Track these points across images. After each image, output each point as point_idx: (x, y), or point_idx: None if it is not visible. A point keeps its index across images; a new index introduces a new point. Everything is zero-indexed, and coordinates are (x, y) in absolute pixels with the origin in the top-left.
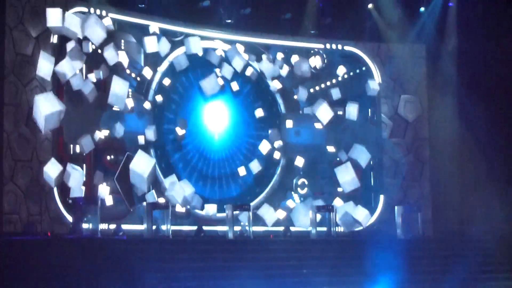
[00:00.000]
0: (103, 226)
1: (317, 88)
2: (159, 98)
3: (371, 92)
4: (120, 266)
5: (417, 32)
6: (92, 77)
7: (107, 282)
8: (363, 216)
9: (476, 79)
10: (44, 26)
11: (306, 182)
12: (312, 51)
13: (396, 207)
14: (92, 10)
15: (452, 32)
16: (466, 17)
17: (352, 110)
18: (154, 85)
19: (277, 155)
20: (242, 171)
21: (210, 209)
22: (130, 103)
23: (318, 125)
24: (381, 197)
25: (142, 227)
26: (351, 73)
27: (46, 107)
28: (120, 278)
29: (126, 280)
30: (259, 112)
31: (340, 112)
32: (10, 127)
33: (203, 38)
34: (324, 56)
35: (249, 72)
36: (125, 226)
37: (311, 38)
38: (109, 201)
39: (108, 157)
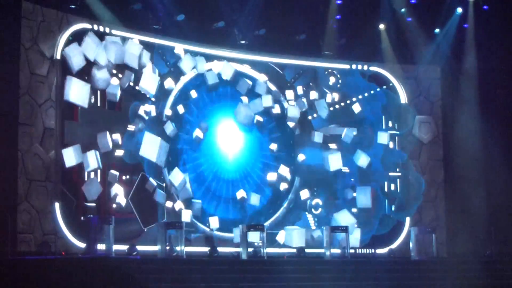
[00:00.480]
0: (117, 247)
1: (331, 108)
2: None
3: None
4: (134, 286)
5: (432, 53)
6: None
7: None
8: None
9: (492, 99)
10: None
11: (320, 203)
12: (326, 72)
13: (411, 228)
14: (95, 26)
15: (467, 52)
16: (482, 37)
17: (362, 160)
18: (168, 105)
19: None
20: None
21: (213, 222)
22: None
23: (332, 146)
24: (407, 219)
25: (156, 247)
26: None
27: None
28: None
29: None
30: (273, 146)
31: (354, 133)
32: (25, 146)
33: (217, 58)
34: (339, 76)
35: (275, 110)
36: (139, 247)
37: (332, 58)
38: (122, 201)
39: (123, 177)
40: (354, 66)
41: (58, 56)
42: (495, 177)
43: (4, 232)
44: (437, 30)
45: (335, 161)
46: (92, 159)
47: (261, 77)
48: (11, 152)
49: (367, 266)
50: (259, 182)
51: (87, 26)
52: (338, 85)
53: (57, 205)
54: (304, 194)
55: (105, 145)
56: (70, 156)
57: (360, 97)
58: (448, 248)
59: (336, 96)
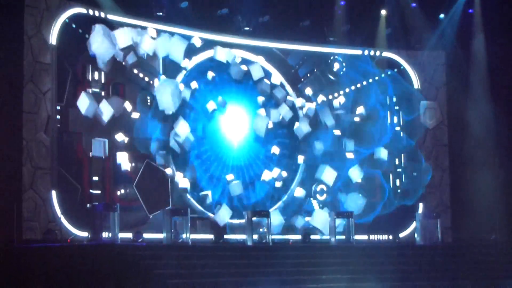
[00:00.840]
0: (122, 235)
1: (335, 94)
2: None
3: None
4: (140, 273)
5: (437, 38)
6: None
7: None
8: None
9: (498, 85)
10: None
11: (325, 189)
12: (331, 58)
13: (416, 214)
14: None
15: (473, 37)
16: (488, 22)
17: (382, 153)
18: None
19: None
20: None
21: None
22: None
23: (337, 132)
24: (420, 205)
25: (161, 235)
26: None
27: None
28: (140, 284)
29: (145, 286)
30: (275, 149)
31: (357, 119)
32: (29, 135)
33: (224, 45)
34: (343, 63)
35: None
36: (144, 235)
37: (337, 44)
38: (126, 166)
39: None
40: (366, 52)
41: (54, 42)
42: (501, 162)
43: (10, 220)
44: (442, 15)
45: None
46: (106, 109)
47: (259, 60)
48: (16, 141)
49: (372, 252)
50: (263, 169)
51: (83, 10)
52: (342, 72)
53: (53, 193)
54: (299, 192)
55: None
56: (84, 103)
57: (370, 80)
58: (454, 234)
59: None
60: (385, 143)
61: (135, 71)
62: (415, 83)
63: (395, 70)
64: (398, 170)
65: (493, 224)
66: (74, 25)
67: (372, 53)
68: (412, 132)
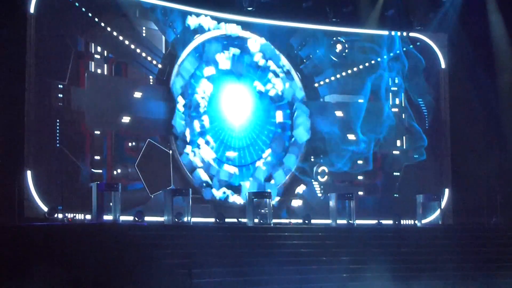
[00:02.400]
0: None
1: (338, 76)
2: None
3: None
4: (141, 252)
5: (439, 20)
6: None
7: (127, 267)
8: None
9: (498, 66)
10: None
11: (326, 170)
12: (333, 39)
13: (416, 196)
14: None
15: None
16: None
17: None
18: (175, 72)
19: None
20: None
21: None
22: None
23: (339, 113)
24: (446, 190)
25: (162, 219)
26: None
27: None
28: (141, 264)
29: (147, 266)
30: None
31: (360, 100)
32: (33, 113)
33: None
34: (346, 45)
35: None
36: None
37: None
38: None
39: (130, 144)
40: (393, 32)
41: (32, 10)
42: (503, 145)
43: (12, 199)
44: None
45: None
46: None
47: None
48: (19, 118)
49: (372, 233)
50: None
51: None
52: (344, 54)
53: (28, 173)
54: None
55: None
56: None
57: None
58: (454, 216)
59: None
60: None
61: (138, 50)
62: (443, 64)
63: (411, 46)
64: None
65: (494, 207)
66: None
67: (399, 33)
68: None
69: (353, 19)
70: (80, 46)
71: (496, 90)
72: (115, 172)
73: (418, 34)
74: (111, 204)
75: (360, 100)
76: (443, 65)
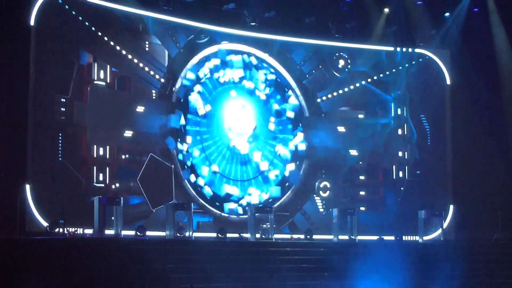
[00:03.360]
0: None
1: (340, 91)
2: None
3: None
4: (142, 266)
5: (442, 37)
6: None
7: (129, 281)
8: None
9: (501, 81)
10: None
11: (329, 185)
12: (336, 54)
13: (418, 212)
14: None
15: (477, 36)
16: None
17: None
18: (177, 86)
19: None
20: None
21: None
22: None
23: (341, 129)
24: (451, 207)
25: (164, 233)
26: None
27: None
28: (143, 278)
29: (149, 280)
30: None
31: (361, 116)
32: (35, 127)
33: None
34: (349, 61)
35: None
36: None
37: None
38: None
39: (123, 156)
40: (398, 49)
41: (32, 22)
42: (505, 160)
43: (13, 213)
44: (447, 14)
45: None
46: None
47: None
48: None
49: (373, 250)
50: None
51: None
52: (347, 69)
53: (27, 187)
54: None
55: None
56: None
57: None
58: (456, 232)
59: None
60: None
61: (141, 64)
62: (448, 80)
63: (413, 62)
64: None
65: (495, 223)
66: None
67: (404, 49)
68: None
69: (356, 35)
70: (83, 60)
71: (498, 106)
72: (116, 186)
73: (422, 50)
74: (113, 218)
75: (360, 116)
76: (448, 81)
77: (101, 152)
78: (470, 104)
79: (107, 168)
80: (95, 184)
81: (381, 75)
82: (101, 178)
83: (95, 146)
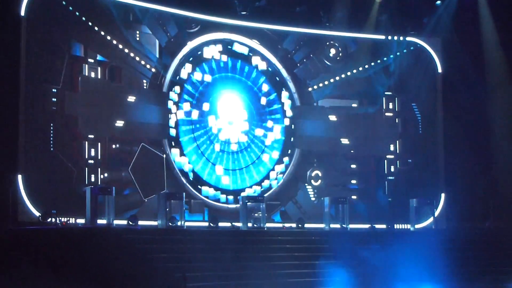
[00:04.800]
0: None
1: (331, 80)
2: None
3: None
4: (135, 256)
5: (433, 25)
6: None
7: (121, 271)
8: None
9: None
10: None
11: (320, 174)
12: (327, 43)
13: (410, 200)
14: None
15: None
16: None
17: None
18: (169, 76)
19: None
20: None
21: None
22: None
23: (332, 117)
24: (442, 195)
25: (156, 223)
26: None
27: None
28: (135, 268)
29: (141, 270)
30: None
31: (354, 105)
32: (26, 118)
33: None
34: (339, 48)
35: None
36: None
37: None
38: None
39: (114, 146)
40: (390, 37)
41: (23, 13)
42: (495, 148)
43: (5, 203)
44: (438, 2)
45: None
46: None
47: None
48: (12, 122)
49: (365, 238)
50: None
51: None
52: (338, 57)
53: (19, 178)
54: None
55: None
56: None
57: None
58: (448, 220)
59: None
60: None
61: (132, 54)
62: (439, 68)
63: (405, 50)
64: None
65: (487, 211)
66: None
67: (395, 38)
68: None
69: (347, 23)
70: (74, 50)
71: (488, 92)
72: (108, 176)
73: (413, 38)
74: (105, 208)
75: (354, 105)
76: (439, 69)
77: (92, 142)
78: (461, 92)
79: (99, 158)
80: (86, 173)
81: (373, 64)
82: (93, 168)
83: (87, 135)
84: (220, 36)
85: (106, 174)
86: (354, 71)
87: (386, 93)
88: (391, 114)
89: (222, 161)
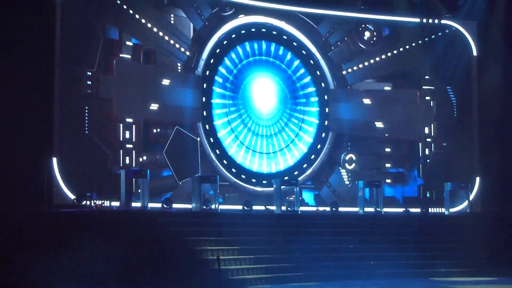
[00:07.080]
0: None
1: (366, 63)
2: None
3: None
4: (169, 239)
5: (468, 8)
6: None
7: (156, 253)
8: None
9: None
10: None
11: (354, 158)
12: (362, 26)
13: (444, 184)
14: None
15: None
16: None
17: None
18: (203, 59)
19: None
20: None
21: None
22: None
23: (366, 101)
24: (477, 179)
25: (190, 206)
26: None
27: None
28: (170, 250)
29: (175, 252)
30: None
31: (388, 88)
32: (62, 101)
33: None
34: (374, 32)
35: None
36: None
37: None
38: None
39: (155, 130)
40: (425, 20)
41: None
42: None
43: (41, 186)
44: None
45: None
46: None
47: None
48: (48, 105)
49: (399, 221)
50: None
51: None
52: (372, 41)
53: (54, 160)
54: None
55: None
56: None
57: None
58: (483, 204)
59: None
60: None
61: (166, 37)
62: (474, 51)
63: (440, 34)
64: None
65: None
66: None
67: (430, 21)
68: None
69: (382, 6)
70: (109, 34)
71: None
72: (143, 159)
73: (448, 21)
74: (139, 190)
75: (388, 88)
76: (474, 53)
77: (127, 125)
78: (496, 75)
79: (134, 141)
80: (122, 157)
81: (408, 47)
82: (128, 151)
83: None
84: (254, 19)
85: (144, 157)
86: (389, 54)
87: (421, 76)
88: (426, 97)
89: (256, 144)
